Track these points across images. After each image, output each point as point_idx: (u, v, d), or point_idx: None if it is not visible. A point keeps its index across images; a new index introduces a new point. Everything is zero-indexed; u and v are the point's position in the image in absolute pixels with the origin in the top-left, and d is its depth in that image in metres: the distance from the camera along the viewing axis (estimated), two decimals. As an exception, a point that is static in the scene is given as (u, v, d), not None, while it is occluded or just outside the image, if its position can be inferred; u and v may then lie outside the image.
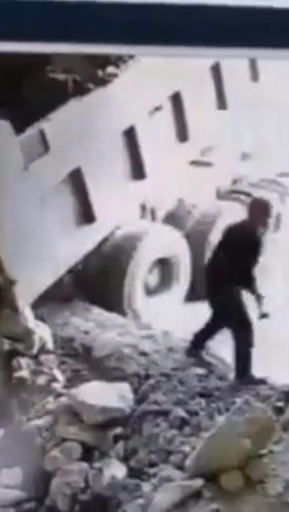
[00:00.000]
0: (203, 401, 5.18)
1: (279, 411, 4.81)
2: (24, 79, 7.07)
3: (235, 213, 8.27)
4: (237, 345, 5.50)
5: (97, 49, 1.56)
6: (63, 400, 5.46)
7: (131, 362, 5.83)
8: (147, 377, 5.62)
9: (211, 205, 8.35)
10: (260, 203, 5.90)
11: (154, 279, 7.52)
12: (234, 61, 7.69)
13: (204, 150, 8.36)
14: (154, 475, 4.57)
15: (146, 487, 4.46)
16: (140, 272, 7.17)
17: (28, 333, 5.93)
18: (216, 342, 5.98)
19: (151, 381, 5.53)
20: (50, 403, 5.50)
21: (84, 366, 6.02)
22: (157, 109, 7.42)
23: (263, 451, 4.32)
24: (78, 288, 7.08)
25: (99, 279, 7.02)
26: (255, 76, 8.70)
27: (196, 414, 5.05)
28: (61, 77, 6.93)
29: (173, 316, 7.23)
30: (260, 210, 5.70)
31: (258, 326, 5.67)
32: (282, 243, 8.65)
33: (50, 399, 5.55)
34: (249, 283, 5.56)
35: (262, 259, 5.68)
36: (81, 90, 6.70)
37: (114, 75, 6.85)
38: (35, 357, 5.94)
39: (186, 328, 6.98)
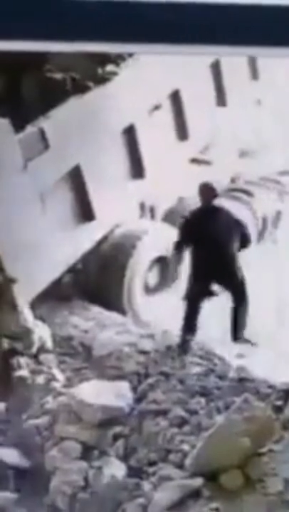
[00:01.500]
0: (202, 400, 5.17)
1: (278, 410, 4.81)
2: (23, 77, 7.06)
3: (233, 211, 8.28)
4: (237, 313, 6.13)
5: (97, 47, 1.55)
6: (63, 399, 5.45)
7: (130, 361, 5.82)
8: (147, 375, 5.61)
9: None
10: (208, 185, 6.28)
11: (153, 278, 7.51)
12: (234, 59, 7.68)
13: (204, 148, 8.35)
14: (154, 474, 4.56)
15: (145, 486, 4.46)
16: (139, 271, 7.16)
17: (28, 332, 5.92)
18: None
19: (151, 380, 5.52)
20: (50, 402, 5.49)
21: (83, 365, 6.01)
22: (157, 107, 7.41)
23: (263, 450, 4.31)
24: (77, 287, 7.07)
25: (98, 278, 7.00)
26: (254, 74, 8.69)
27: (196, 413, 5.04)
28: (61, 75, 6.92)
29: (172, 315, 7.22)
30: (210, 191, 6.16)
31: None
32: (281, 241, 8.65)
33: (50, 398, 5.53)
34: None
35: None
36: (81, 88, 6.69)
37: (114, 73, 6.84)
38: (34, 356, 5.93)
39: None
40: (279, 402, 4.89)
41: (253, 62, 8.55)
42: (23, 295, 5.91)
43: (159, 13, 1.43)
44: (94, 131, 6.55)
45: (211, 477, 4.18)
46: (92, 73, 6.76)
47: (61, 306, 6.80)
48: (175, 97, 7.58)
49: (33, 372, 5.80)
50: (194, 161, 8.20)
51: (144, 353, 5.95)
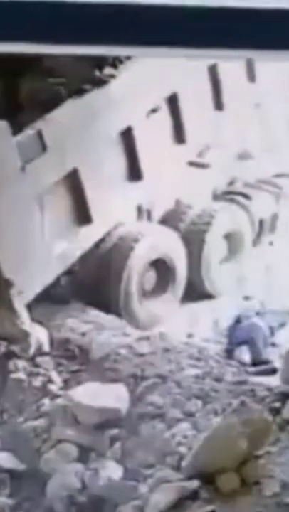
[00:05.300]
0: (199, 402, 5.18)
1: (276, 412, 4.81)
2: (21, 80, 7.07)
3: (231, 214, 8.29)
4: None
5: (95, 50, 1.56)
6: (59, 401, 5.45)
7: (127, 363, 5.82)
8: (143, 378, 5.61)
9: (207, 206, 8.34)
10: None
11: (150, 280, 7.51)
12: (231, 62, 7.69)
13: (201, 151, 8.36)
14: (151, 476, 4.56)
15: (142, 488, 4.46)
16: (136, 273, 7.16)
17: (25, 334, 5.91)
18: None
19: (148, 382, 5.52)
20: (46, 405, 5.49)
21: (80, 367, 6.01)
22: (154, 110, 7.42)
23: (260, 452, 4.32)
24: (75, 289, 7.06)
25: (95, 280, 7.00)
26: (252, 77, 8.71)
27: (193, 415, 5.04)
28: (59, 78, 6.93)
29: (169, 317, 7.22)
30: None
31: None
32: (277, 244, 8.66)
33: (47, 400, 5.53)
34: None
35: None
36: (79, 91, 6.70)
37: (112, 76, 6.85)
38: (31, 359, 5.93)
39: (182, 329, 6.99)
40: (276, 404, 4.90)
41: (250, 65, 8.56)
42: (20, 297, 5.91)
43: (157, 16, 1.44)
44: (92, 134, 6.56)
45: (208, 479, 4.18)
46: (90, 76, 6.76)
47: (58, 309, 6.79)
48: (173, 100, 7.59)
49: (30, 374, 5.80)
50: (192, 163, 8.21)
51: (140, 355, 5.95)
